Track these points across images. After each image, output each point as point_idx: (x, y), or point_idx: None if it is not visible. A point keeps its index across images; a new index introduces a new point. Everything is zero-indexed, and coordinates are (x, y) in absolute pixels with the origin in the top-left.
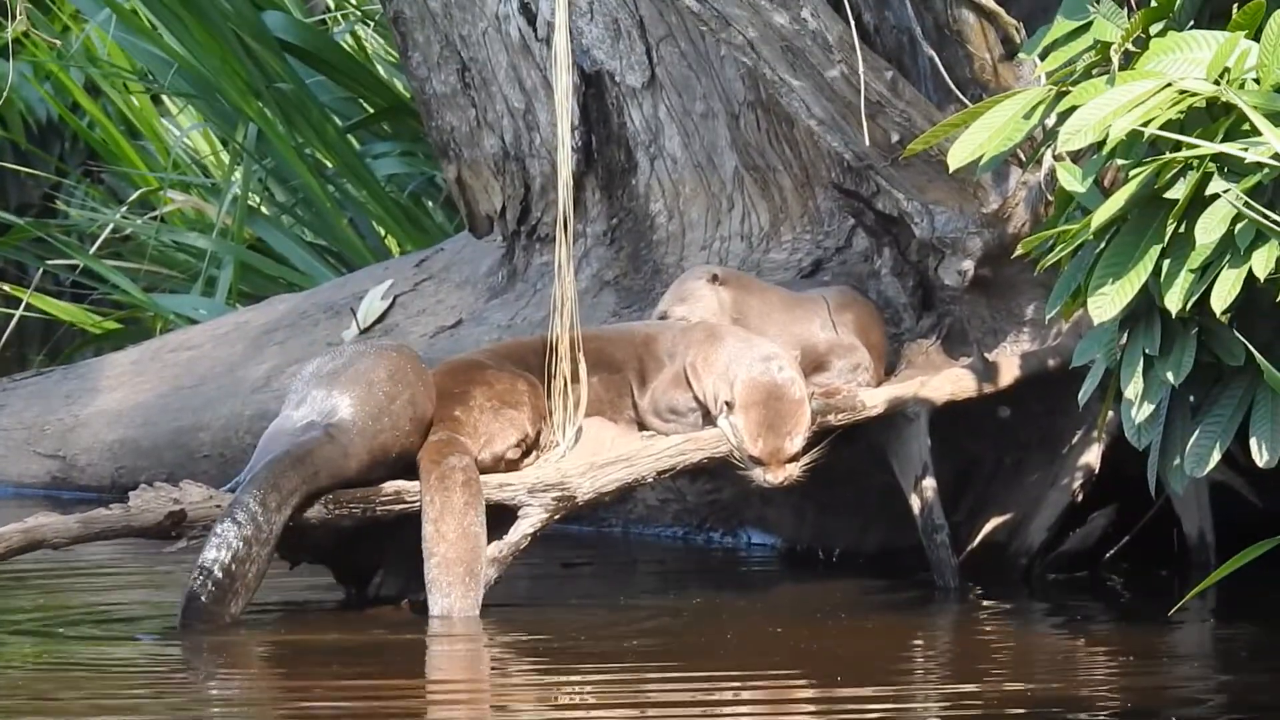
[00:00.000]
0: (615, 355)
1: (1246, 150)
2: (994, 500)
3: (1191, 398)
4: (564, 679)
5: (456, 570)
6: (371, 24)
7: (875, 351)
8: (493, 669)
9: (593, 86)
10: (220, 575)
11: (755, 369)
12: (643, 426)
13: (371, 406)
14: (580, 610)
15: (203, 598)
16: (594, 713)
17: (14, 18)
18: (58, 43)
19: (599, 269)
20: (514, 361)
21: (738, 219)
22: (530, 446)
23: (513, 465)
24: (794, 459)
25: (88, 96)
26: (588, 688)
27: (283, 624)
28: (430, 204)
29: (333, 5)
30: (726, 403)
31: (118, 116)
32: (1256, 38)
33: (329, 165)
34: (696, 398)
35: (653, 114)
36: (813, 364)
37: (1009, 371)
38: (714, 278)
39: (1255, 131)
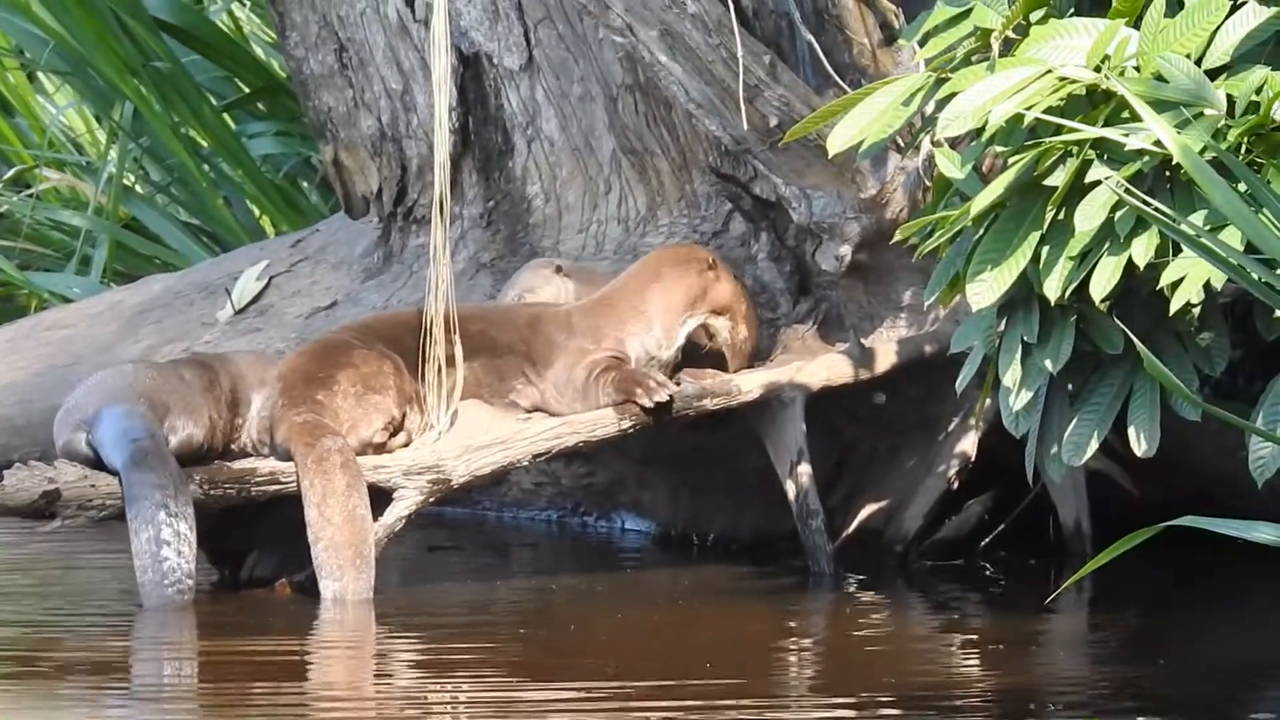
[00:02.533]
0: (499, 338)
1: (1127, 136)
2: (870, 486)
3: (1070, 386)
4: (436, 688)
5: (345, 553)
6: (248, 3)
7: None
8: (375, 679)
9: (470, 68)
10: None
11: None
12: (538, 409)
13: (128, 398)
14: (454, 602)
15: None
16: None
17: None
18: None
19: (475, 251)
20: (386, 339)
21: (615, 202)
22: (397, 428)
23: (380, 448)
24: None
25: None
26: (460, 699)
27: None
28: (306, 184)
29: None
30: (715, 311)
31: None
32: (1137, 25)
33: (205, 144)
34: (635, 356)
35: (530, 96)
36: None
37: (886, 357)
38: (558, 269)
39: (1135, 120)
